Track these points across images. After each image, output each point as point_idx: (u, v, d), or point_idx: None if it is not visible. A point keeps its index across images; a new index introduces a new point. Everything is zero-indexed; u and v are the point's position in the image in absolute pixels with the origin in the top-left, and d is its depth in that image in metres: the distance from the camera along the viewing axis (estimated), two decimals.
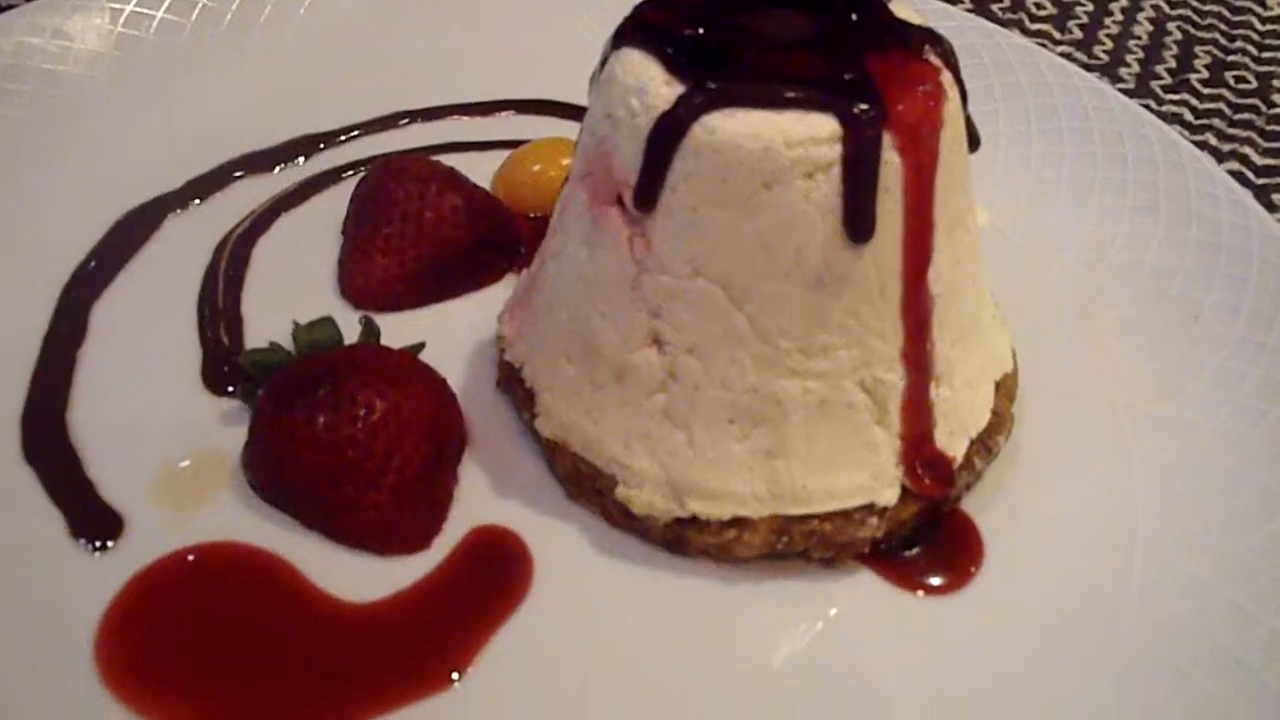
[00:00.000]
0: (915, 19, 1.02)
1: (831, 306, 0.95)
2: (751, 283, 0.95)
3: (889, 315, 0.98)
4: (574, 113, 1.39)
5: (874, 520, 1.02)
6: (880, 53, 0.95)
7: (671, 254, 0.96)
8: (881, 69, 0.94)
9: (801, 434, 0.99)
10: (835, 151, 0.91)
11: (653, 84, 0.94)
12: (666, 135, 0.93)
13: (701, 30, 0.95)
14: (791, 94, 0.92)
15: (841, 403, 0.99)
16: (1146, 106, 1.57)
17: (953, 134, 0.98)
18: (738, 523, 1.01)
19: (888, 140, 0.92)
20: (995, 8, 1.79)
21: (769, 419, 0.98)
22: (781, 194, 0.92)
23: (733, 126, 0.91)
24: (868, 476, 1.01)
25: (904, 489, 1.02)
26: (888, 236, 0.95)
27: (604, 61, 1.00)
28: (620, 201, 0.97)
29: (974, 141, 1.03)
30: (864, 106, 0.91)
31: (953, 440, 1.05)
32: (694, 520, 1.01)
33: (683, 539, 1.02)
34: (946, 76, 0.97)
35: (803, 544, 1.01)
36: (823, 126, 0.91)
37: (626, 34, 0.98)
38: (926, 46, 0.97)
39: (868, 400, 1.00)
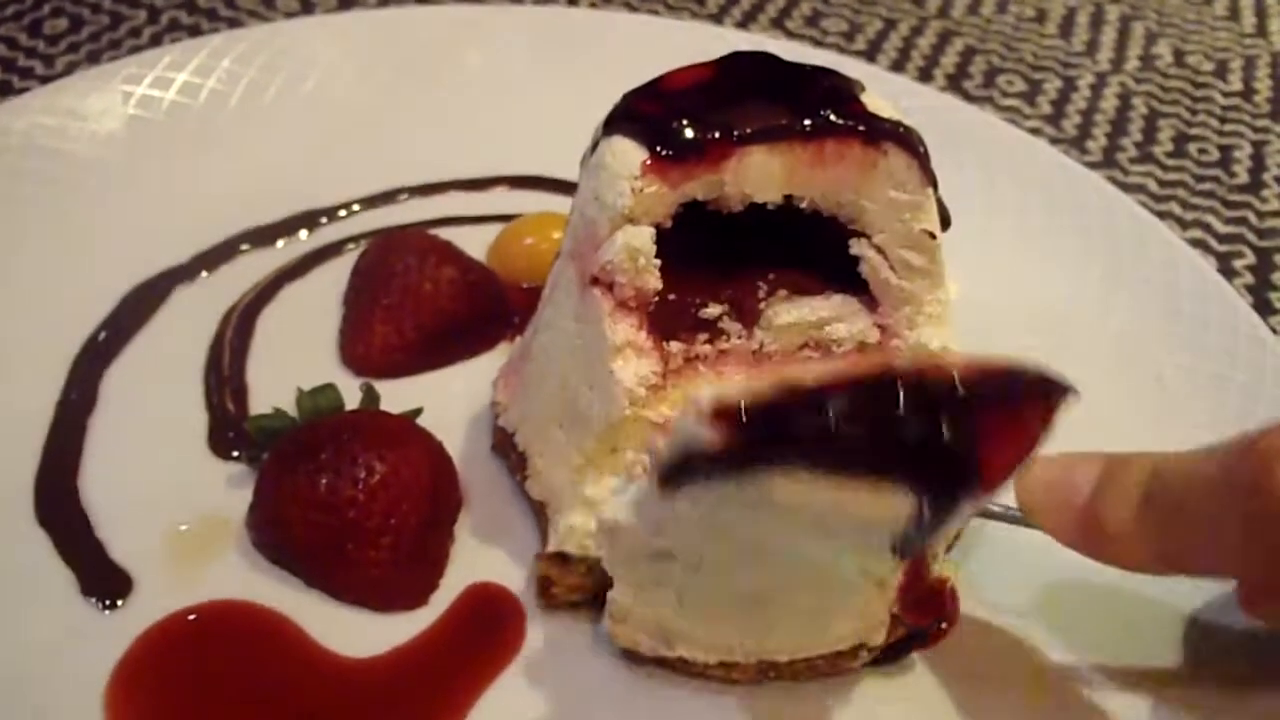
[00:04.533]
0: (887, 108, 1.03)
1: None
2: None
3: None
4: (564, 188, 1.42)
5: (864, 653, 1.01)
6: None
7: None
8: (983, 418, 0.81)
9: (793, 608, 0.97)
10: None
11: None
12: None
13: (687, 123, 0.97)
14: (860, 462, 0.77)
15: (841, 582, 0.96)
16: (1112, 178, 1.62)
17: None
18: (725, 664, 1.00)
19: None
20: (967, 85, 1.85)
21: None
22: None
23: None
24: (859, 624, 0.99)
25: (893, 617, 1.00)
26: None
27: (595, 145, 1.02)
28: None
29: (945, 221, 1.05)
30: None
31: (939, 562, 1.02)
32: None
33: (669, 664, 1.01)
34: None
35: (791, 676, 1.01)
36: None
37: (617, 122, 1.01)
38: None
39: (867, 582, 0.96)
